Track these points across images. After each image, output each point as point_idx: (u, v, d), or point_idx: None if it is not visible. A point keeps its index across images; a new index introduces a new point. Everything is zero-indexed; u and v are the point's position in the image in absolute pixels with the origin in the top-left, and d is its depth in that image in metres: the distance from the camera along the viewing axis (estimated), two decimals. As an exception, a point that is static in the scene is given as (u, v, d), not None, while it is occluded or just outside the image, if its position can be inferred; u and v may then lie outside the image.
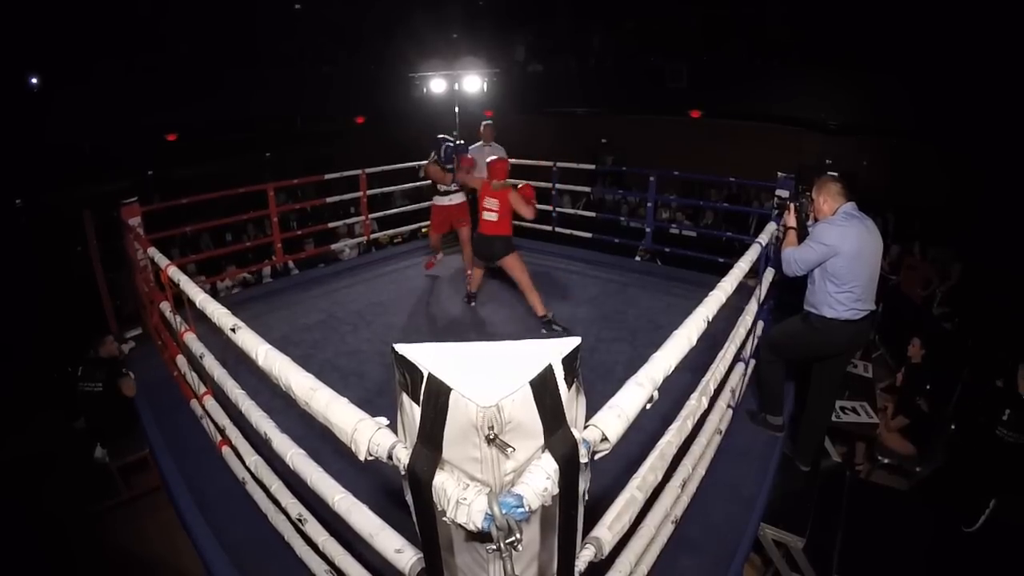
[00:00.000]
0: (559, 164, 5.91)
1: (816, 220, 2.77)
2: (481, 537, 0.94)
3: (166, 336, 3.40)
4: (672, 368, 1.43)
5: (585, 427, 1.09)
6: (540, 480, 0.92)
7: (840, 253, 2.52)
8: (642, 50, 10.58)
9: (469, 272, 4.79)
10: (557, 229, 6.08)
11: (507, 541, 0.87)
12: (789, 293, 3.61)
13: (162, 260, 2.81)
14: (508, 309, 4.67)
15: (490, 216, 4.18)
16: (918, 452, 4.09)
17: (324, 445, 1.91)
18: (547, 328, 4.11)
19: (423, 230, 6.57)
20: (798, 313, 2.85)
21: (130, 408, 3.70)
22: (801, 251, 2.63)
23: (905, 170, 8.32)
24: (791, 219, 2.86)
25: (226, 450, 2.60)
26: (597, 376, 3.46)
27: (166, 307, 3.04)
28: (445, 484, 0.93)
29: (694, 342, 1.61)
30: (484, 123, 5.76)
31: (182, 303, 2.63)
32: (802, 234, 2.84)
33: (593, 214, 6.68)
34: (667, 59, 9.91)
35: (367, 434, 1.13)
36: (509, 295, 4.94)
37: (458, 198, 4.99)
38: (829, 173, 2.85)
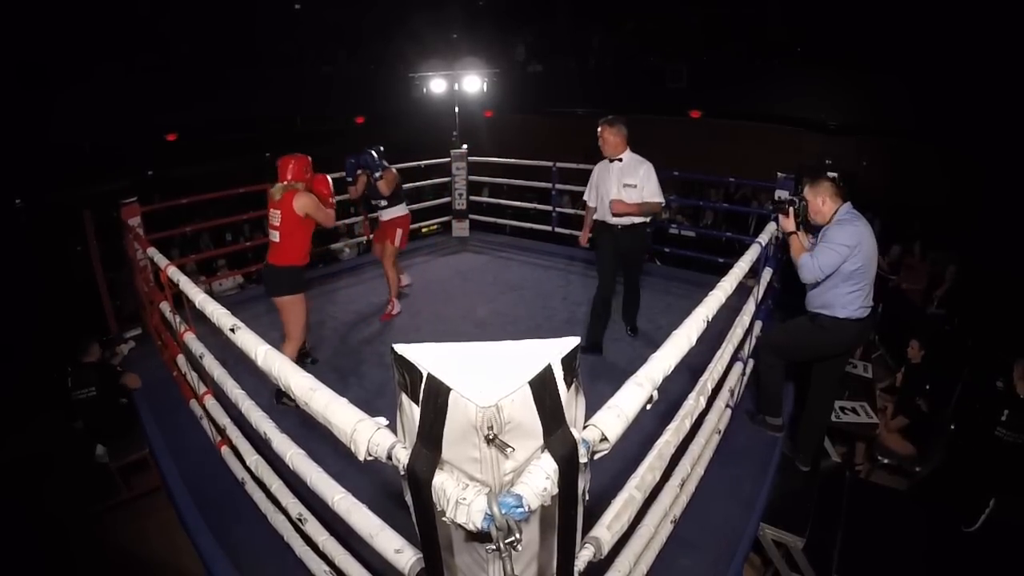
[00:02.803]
0: (559, 164, 5.90)
1: (810, 221, 2.75)
2: (481, 537, 0.94)
3: (166, 336, 3.41)
4: (672, 368, 1.43)
5: (584, 427, 1.09)
6: (539, 480, 0.92)
7: (859, 252, 2.51)
8: (642, 50, 10.57)
9: (392, 299, 4.53)
10: (557, 229, 6.07)
11: (507, 541, 0.87)
12: (786, 293, 3.61)
13: (162, 260, 2.82)
14: (507, 310, 4.67)
15: (272, 235, 3.19)
16: (918, 452, 4.09)
17: (324, 445, 1.91)
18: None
19: (423, 230, 6.59)
20: (795, 313, 2.85)
21: (129, 408, 3.70)
22: (823, 256, 2.55)
23: (905, 170, 8.32)
24: (790, 223, 2.78)
25: (226, 450, 2.61)
26: (597, 376, 3.46)
27: (166, 307, 3.04)
28: (445, 484, 0.93)
29: (694, 342, 1.61)
30: (602, 122, 3.70)
31: (182, 303, 2.64)
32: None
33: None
34: (667, 59, 9.90)
35: (366, 434, 1.13)
36: (508, 296, 4.94)
37: (387, 213, 4.42)
38: (828, 174, 2.80)
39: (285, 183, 3.14)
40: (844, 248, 2.51)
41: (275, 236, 3.17)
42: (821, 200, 2.64)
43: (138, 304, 4.24)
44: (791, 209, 2.78)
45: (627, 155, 3.70)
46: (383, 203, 4.38)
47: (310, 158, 3.27)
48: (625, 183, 3.65)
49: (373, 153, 4.11)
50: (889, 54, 7.94)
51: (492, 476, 0.93)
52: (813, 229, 2.81)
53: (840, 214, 2.60)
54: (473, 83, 7.34)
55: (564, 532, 1.06)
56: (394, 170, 4.36)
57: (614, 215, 3.66)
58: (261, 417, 1.94)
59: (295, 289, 3.20)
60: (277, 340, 3.41)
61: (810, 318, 2.74)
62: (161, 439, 3.10)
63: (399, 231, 4.42)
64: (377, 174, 4.13)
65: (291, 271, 3.18)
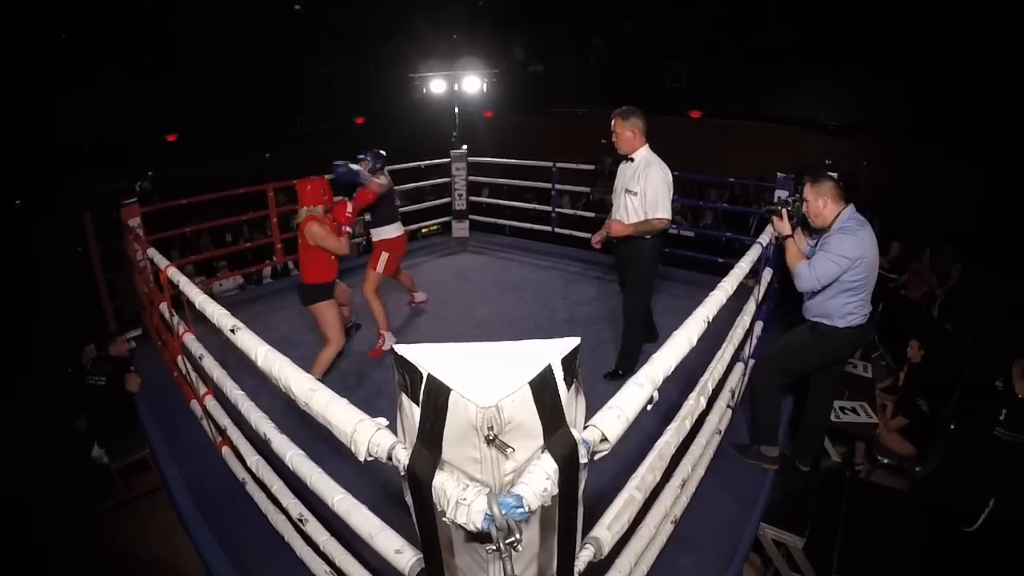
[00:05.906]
0: (559, 164, 5.90)
1: (808, 222, 2.62)
2: (481, 537, 0.94)
3: (166, 336, 3.41)
4: (672, 368, 1.43)
5: (585, 427, 1.09)
6: (540, 480, 0.92)
7: (861, 264, 2.39)
8: (642, 50, 10.58)
9: (381, 333, 3.87)
10: (557, 229, 6.07)
11: (507, 541, 0.87)
12: (786, 293, 3.60)
13: (162, 261, 2.82)
14: (507, 310, 4.67)
15: (299, 254, 3.39)
16: (917, 452, 4.09)
17: (324, 446, 1.91)
18: None
19: (423, 230, 6.58)
20: (797, 314, 2.83)
21: (131, 407, 3.71)
22: (821, 266, 2.41)
23: (905, 170, 8.32)
24: (785, 226, 2.63)
25: (226, 450, 2.61)
26: (597, 376, 3.46)
27: (165, 308, 3.04)
28: (445, 484, 0.93)
29: (694, 342, 1.61)
30: (614, 113, 3.12)
31: (181, 304, 2.64)
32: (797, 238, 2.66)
33: (593, 214, 6.67)
34: (667, 59, 9.91)
35: (367, 434, 1.13)
36: (508, 296, 4.94)
37: (374, 233, 3.96)
38: (828, 173, 2.61)
39: (305, 208, 3.25)
40: (845, 260, 2.37)
41: (299, 255, 3.38)
42: (822, 203, 2.46)
43: (138, 304, 4.24)
44: (784, 211, 2.62)
45: (640, 154, 3.11)
46: (367, 218, 3.92)
47: (326, 179, 3.39)
48: (627, 188, 3.15)
49: (351, 166, 3.68)
50: (889, 54, 7.94)
51: (492, 476, 0.93)
52: (813, 231, 2.68)
53: (843, 220, 2.44)
54: (473, 83, 7.35)
55: (564, 532, 1.06)
56: (384, 180, 3.78)
57: (610, 235, 3.28)
58: (260, 418, 1.94)
59: (315, 300, 3.34)
60: (277, 341, 3.40)
61: (809, 327, 2.62)
62: (161, 439, 3.10)
63: (384, 255, 3.85)
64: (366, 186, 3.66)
65: (310, 287, 3.33)
